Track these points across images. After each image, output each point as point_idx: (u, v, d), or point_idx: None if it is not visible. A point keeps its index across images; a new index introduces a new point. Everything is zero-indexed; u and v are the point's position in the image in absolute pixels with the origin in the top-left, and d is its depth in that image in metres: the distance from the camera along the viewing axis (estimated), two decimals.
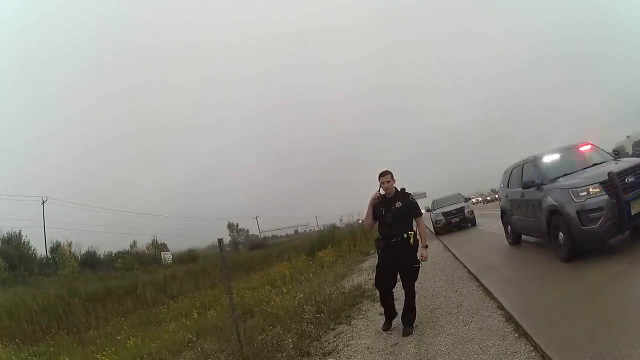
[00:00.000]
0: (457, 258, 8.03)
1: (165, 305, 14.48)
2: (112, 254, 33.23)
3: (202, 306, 11.41)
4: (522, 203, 6.46)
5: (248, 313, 7.74)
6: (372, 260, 11.04)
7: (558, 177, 5.43)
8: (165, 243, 37.54)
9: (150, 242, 36.08)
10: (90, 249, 32.11)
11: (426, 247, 4.08)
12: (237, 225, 53.42)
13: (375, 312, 5.17)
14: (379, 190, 4.17)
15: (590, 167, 5.44)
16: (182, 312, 11.54)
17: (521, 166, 6.77)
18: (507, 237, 7.86)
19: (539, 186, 5.65)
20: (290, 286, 9.41)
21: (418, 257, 4.06)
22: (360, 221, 25.89)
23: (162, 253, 34.51)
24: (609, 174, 4.53)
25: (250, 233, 54.73)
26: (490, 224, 12.67)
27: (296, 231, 61.03)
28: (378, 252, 4.26)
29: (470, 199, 17.27)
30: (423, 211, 6.21)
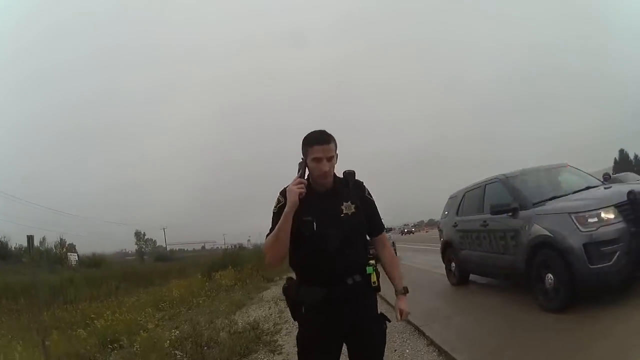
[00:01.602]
0: (385, 300, 5.10)
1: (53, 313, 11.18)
2: (21, 247, 30.70)
3: (83, 320, 9.02)
4: (483, 234, 5.15)
5: (115, 342, 5.93)
6: (276, 290, 9.42)
7: (545, 201, 4.22)
8: (74, 244, 35.99)
9: (59, 240, 34.27)
10: (2, 239, 29.37)
11: (405, 291, 1.98)
12: (144, 234, 52.05)
13: None
14: (302, 174, 1.82)
15: (583, 190, 4.38)
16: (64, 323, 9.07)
17: (481, 188, 5.56)
18: (449, 276, 6.53)
19: (514, 212, 4.36)
20: (177, 310, 8.36)
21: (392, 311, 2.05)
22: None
23: (69, 254, 32.77)
24: (630, 193, 3.41)
25: (158, 244, 53.00)
26: (413, 257, 11.71)
27: (203, 247, 59.30)
28: (297, 314, 1.87)
29: (391, 228, 16.54)
30: None
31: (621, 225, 3.34)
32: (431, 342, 3.77)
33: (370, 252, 1.93)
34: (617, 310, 3.30)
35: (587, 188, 4.42)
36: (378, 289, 1.87)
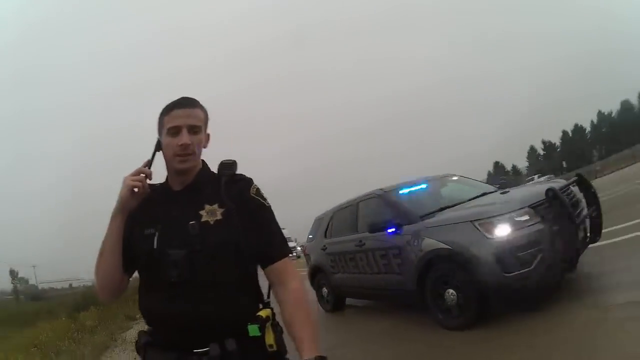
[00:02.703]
0: None
1: None
2: None
3: None
4: (360, 255, 4.76)
5: None
6: (138, 329, 7.43)
7: (434, 212, 3.97)
8: None
9: None
10: None
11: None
12: (17, 272, 51.60)
13: None
14: (150, 161, 1.18)
15: (479, 196, 4.27)
16: None
17: (354, 206, 5.16)
18: (322, 304, 5.96)
19: (397, 228, 4.09)
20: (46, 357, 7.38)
21: None
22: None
23: None
24: (549, 190, 3.27)
25: (30, 282, 52.18)
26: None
27: (71, 285, 54.20)
28: None
29: (292, 240, 15.48)
30: None
31: (540, 226, 3.16)
32: None
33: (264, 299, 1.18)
34: (534, 320, 3.11)
35: (484, 194, 4.34)
36: (280, 354, 1.09)
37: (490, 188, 4.76)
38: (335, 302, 5.65)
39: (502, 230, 3.15)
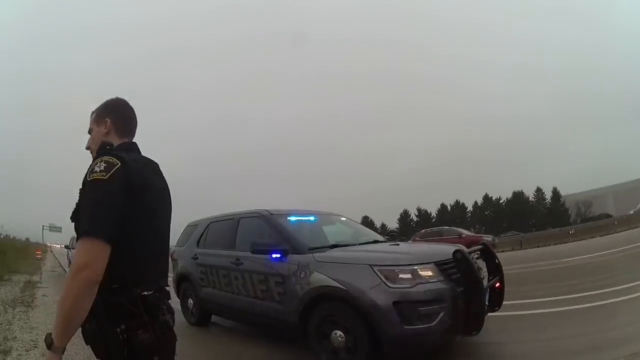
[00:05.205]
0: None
1: None
2: None
3: None
4: (235, 274, 4.13)
5: None
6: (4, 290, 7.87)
7: (324, 247, 3.57)
8: None
9: None
10: None
11: (48, 343, 1.05)
12: None
13: None
14: None
15: (370, 242, 4.03)
16: None
17: (234, 221, 4.47)
18: (186, 316, 5.19)
19: (283, 254, 3.60)
20: None
21: None
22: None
23: None
24: (456, 252, 3.07)
25: None
26: None
27: None
28: None
29: None
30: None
31: (443, 284, 2.94)
32: None
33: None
34: None
35: (376, 242, 4.11)
36: None
37: (380, 237, 4.58)
38: (200, 316, 4.93)
39: (405, 281, 2.88)
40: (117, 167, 1.12)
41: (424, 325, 2.77)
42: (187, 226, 5.46)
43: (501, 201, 62.61)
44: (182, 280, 5.19)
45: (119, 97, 1.43)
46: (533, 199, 61.39)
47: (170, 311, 1.26)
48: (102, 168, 1.11)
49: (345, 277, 3.05)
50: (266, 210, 4.22)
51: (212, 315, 5.01)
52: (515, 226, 49.11)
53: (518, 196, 61.41)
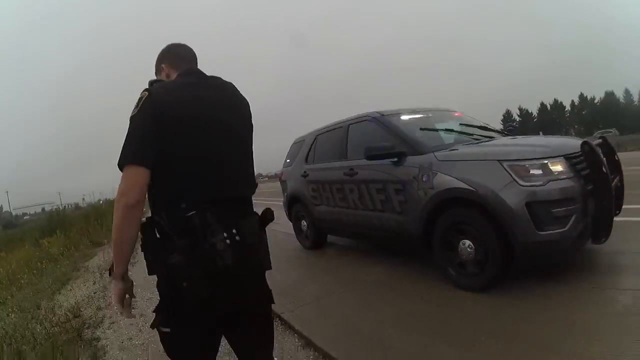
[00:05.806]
0: None
1: None
2: None
3: None
4: (349, 186, 3.85)
5: None
6: (102, 256, 7.87)
7: (444, 146, 3.14)
8: None
9: None
10: None
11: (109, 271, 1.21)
12: None
13: None
14: None
15: (492, 139, 3.46)
16: None
17: (343, 129, 4.17)
18: (300, 239, 5.20)
19: (400, 157, 3.15)
20: (10, 291, 6.44)
21: None
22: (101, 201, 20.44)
23: None
24: (584, 143, 2.56)
25: (4, 210, 49.67)
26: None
27: (43, 209, 53.88)
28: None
29: None
30: None
31: (575, 181, 2.45)
32: (307, 342, 2.43)
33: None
34: (562, 287, 2.52)
35: (493, 138, 3.54)
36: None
37: (497, 133, 3.96)
38: (316, 238, 4.88)
39: (537, 178, 2.42)
40: (143, 98, 1.13)
41: (557, 230, 2.35)
42: (293, 144, 5.37)
43: (595, 101, 63.60)
44: (293, 201, 5.16)
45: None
46: (623, 100, 62.12)
47: (231, 237, 1.10)
48: (134, 105, 1.14)
49: (472, 176, 2.65)
50: (377, 112, 3.83)
51: (327, 237, 4.91)
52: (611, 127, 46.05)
53: (609, 97, 62.01)
